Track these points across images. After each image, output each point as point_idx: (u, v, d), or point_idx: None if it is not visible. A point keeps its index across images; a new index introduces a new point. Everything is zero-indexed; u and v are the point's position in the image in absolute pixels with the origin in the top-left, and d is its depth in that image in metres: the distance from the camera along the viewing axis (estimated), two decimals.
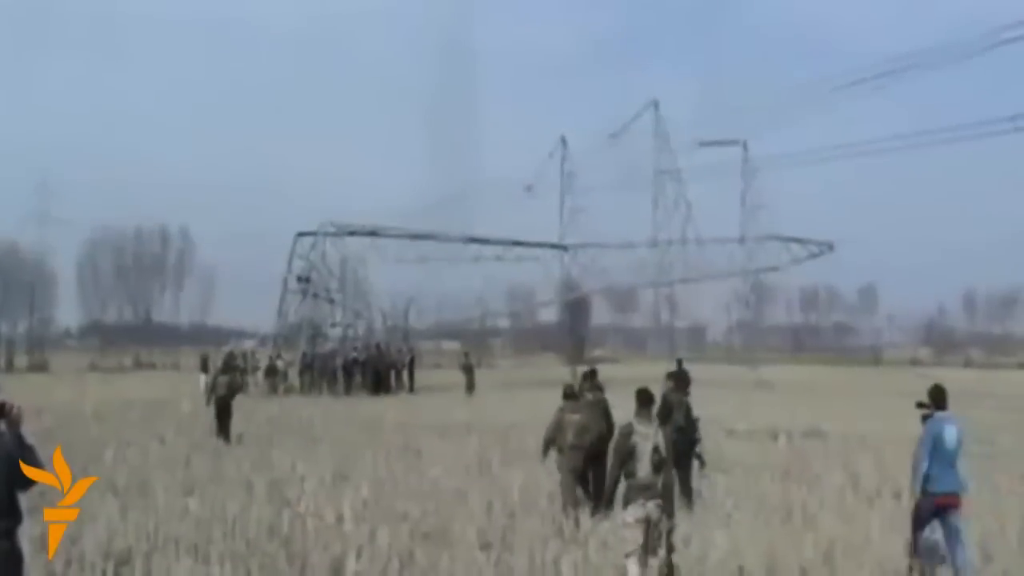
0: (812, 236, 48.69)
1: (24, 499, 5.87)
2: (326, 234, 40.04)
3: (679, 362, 26.86)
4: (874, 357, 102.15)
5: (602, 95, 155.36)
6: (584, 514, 10.31)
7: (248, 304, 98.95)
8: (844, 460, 15.18)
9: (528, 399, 27.65)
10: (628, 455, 7.65)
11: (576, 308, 69.98)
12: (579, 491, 11.09)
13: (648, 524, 7.51)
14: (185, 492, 11.65)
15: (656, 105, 56.65)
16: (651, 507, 7.53)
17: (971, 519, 9.05)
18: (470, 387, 33.99)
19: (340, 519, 10.06)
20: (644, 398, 8.02)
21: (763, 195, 59.34)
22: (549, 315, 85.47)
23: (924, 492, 8.48)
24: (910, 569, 8.40)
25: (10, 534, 5.75)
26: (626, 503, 7.67)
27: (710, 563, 8.24)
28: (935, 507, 8.48)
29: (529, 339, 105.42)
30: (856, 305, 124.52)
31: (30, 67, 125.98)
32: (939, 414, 8.63)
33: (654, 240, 52.23)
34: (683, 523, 9.74)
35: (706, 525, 9.82)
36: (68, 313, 79.47)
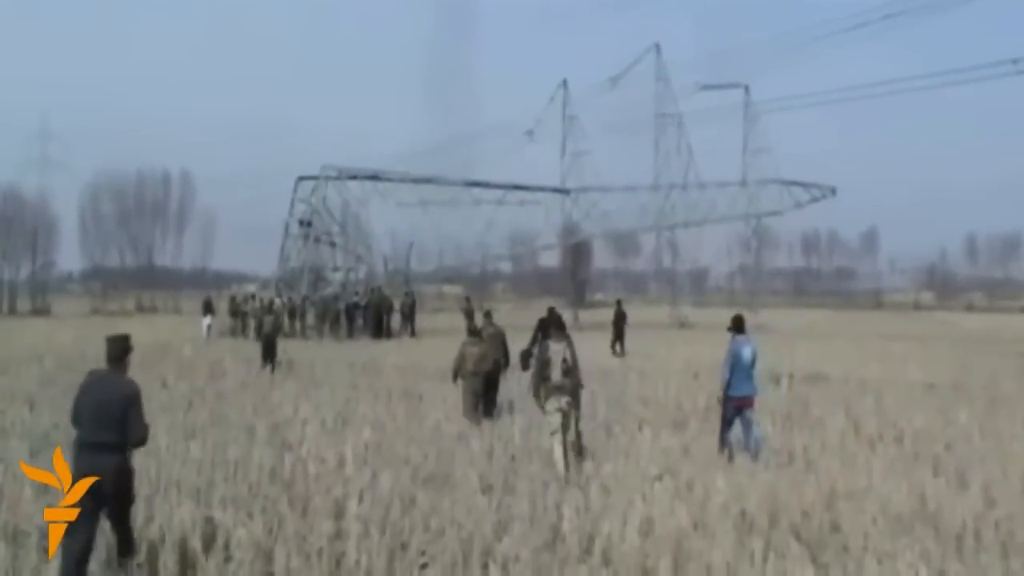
0: (814, 180, 48.58)
1: None
2: (327, 178, 39.68)
3: (619, 302, 28.47)
4: (876, 301, 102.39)
5: (604, 39, 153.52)
6: (484, 424, 12.66)
7: (250, 249, 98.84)
8: (845, 404, 15.16)
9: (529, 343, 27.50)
10: (546, 363, 10.14)
11: (577, 252, 69.80)
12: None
13: (562, 414, 9.96)
14: (187, 436, 11.62)
15: (658, 48, 55.91)
16: (563, 402, 10.06)
17: (760, 413, 12.00)
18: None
19: (342, 463, 10.05)
20: (558, 323, 10.82)
21: (765, 139, 58.90)
22: (550, 259, 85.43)
23: (727, 396, 11.01)
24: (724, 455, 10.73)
25: (122, 448, 6.33)
26: (546, 399, 10.17)
27: (712, 507, 8.22)
28: (735, 407, 11.01)
29: (530, 283, 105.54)
30: (858, 249, 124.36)
31: (31, 10, 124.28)
32: (738, 337, 11.16)
33: (656, 184, 51.89)
34: (683, 468, 9.89)
35: (708, 469, 9.82)
36: (70, 258, 79.45)
